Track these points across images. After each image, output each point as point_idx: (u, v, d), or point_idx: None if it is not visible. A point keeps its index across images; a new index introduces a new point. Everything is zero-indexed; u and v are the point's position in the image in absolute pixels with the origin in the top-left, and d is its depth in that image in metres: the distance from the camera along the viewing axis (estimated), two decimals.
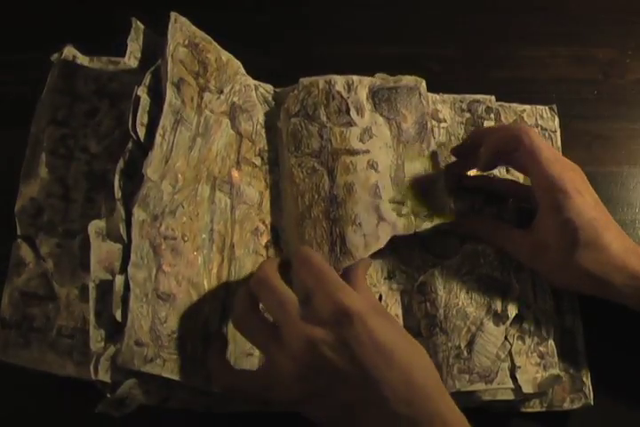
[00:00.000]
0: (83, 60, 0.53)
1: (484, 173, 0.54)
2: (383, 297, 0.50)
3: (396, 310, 0.50)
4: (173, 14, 0.49)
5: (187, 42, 0.49)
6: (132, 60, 0.50)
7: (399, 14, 0.64)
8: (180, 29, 0.49)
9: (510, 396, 0.47)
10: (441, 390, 0.40)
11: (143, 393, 0.42)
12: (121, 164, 0.44)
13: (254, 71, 0.55)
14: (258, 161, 0.52)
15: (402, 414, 0.38)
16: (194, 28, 0.51)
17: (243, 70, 0.54)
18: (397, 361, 0.39)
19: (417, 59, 0.62)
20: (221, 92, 0.51)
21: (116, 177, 0.44)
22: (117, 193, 0.44)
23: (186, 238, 0.45)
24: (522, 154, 0.47)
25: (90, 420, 0.43)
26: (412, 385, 0.39)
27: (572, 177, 0.46)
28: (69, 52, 0.52)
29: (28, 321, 0.46)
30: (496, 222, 0.53)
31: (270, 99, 0.55)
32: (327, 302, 0.40)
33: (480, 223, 0.52)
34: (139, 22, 0.50)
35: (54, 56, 0.52)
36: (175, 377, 0.42)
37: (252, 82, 0.54)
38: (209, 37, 0.52)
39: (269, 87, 0.55)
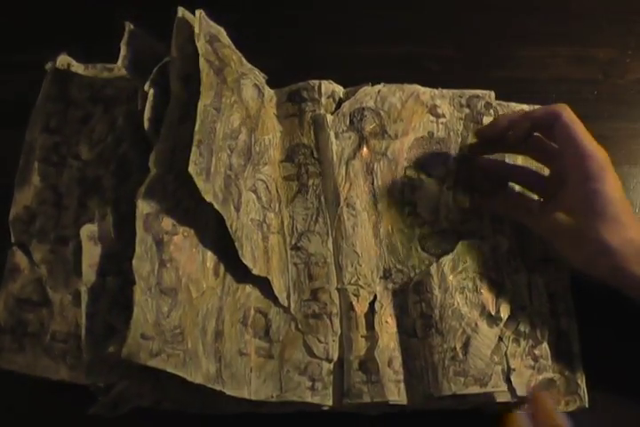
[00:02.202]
0: (77, 67, 0.52)
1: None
2: (378, 297, 0.49)
3: (390, 310, 0.49)
4: (198, 12, 0.48)
5: (208, 37, 0.48)
6: (125, 63, 0.50)
7: (398, 14, 0.63)
8: (202, 23, 0.48)
9: (506, 398, 0.46)
10: None
11: (136, 395, 0.42)
12: (113, 166, 0.44)
13: None
14: None
15: None
16: (211, 22, 0.50)
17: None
18: None
19: (416, 59, 0.62)
20: (233, 90, 0.49)
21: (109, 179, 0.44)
22: (110, 195, 0.44)
23: (186, 234, 0.45)
24: (558, 128, 0.47)
25: (84, 421, 0.43)
26: None
27: (606, 156, 0.46)
28: (63, 60, 0.52)
29: (22, 326, 0.46)
30: (518, 194, 0.53)
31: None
32: None
33: (503, 197, 0.53)
34: (132, 26, 0.50)
35: (48, 65, 0.52)
36: (180, 373, 0.41)
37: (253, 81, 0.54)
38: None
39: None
